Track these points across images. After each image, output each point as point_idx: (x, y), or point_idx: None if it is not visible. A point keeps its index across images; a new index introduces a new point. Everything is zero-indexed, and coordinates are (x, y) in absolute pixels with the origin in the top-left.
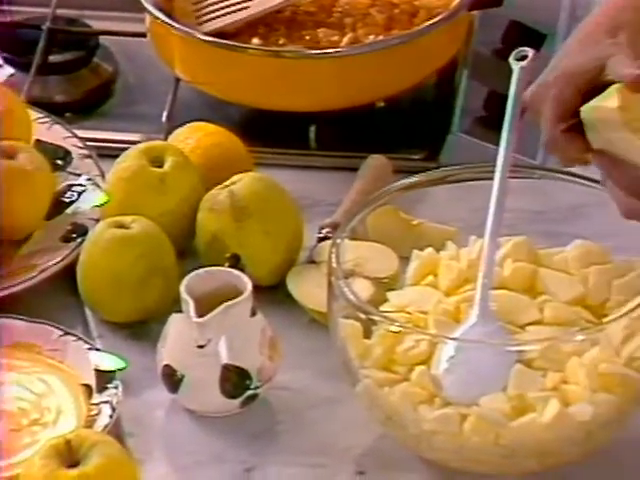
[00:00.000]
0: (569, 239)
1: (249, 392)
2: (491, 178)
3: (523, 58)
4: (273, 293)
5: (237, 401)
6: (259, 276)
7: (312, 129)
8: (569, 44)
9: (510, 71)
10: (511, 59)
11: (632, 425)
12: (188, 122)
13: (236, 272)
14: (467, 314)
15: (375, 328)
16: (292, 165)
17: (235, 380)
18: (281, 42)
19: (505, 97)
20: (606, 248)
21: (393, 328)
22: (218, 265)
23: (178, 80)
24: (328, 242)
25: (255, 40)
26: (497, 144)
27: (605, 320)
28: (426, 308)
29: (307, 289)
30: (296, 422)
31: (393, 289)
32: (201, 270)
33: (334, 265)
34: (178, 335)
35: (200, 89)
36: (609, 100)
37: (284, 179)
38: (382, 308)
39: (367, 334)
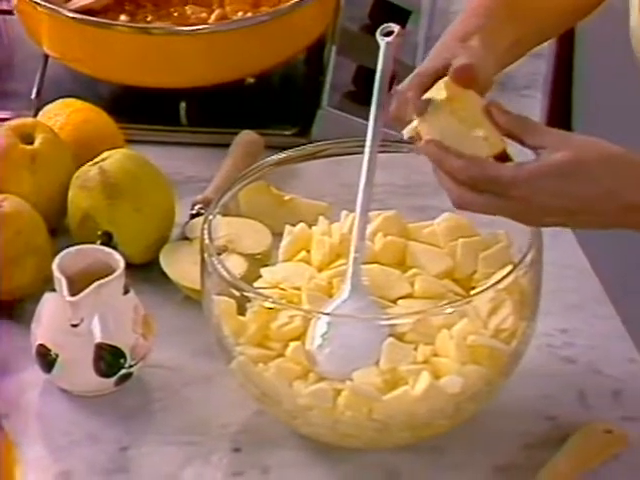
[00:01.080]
0: (437, 213)
1: (123, 371)
2: (361, 153)
3: (389, 34)
4: (146, 271)
5: (111, 380)
6: (131, 254)
7: (182, 105)
8: (430, 53)
9: (377, 46)
10: (378, 35)
11: (500, 396)
12: (57, 99)
13: (108, 250)
14: (340, 289)
15: (249, 305)
16: (163, 142)
17: (109, 359)
18: (149, 19)
19: (373, 72)
20: (473, 221)
21: (267, 304)
22: (90, 243)
23: (47, 57)
24: (200, 218)
25: (123, 17)
26: (367, 119)
27: (472, 293)
28: (299, 284)
29: (180, 266)
30: (171, 400)
31: (266, 265)
32: (73, 248)
33: (207, 242)
34: (51, 314)
35: (69, 66)
36: (438, 92)
37: (155, 156)
38: (256, 284)
39: (241, 311)
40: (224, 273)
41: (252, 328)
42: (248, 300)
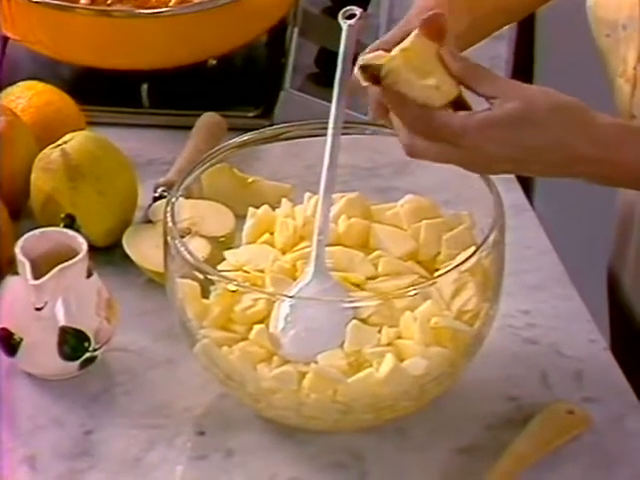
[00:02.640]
0: (401, 194)
1: (87, 354)
2: (324, 135)
3: (351, 17)
4: (109, 254)
5: (75, 363)
6: (94, 237)
7: (144, 87)
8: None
9: (339, 29)
10: (340, 18)
11: (462, 378)
12: (18, 81)
13: (71, 233)
14: (303, 271)
15: (213, 288)
16: (125, 124)
17: (73, 342)
18: (110, 1)
19: (335, 54)
20: (436, 202)
21: (231, 287)
22: (54, 226)
23: (7, 39)
24: (163, 201)
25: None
26: (329, 100)
27: (436, 274)
28: (263, 266)
29: (143, 249)
30: (135, 384)
31: (230, 248)
32: (36, 231)
33: (170, 224)
34: (15, 298)
35: (30, 48)
36: (401, 46)
37: (117, 138)
38: (219, 267)
39: (205, 294)
40: (187, 256)
41: (216, 311)
42: (212, 283)
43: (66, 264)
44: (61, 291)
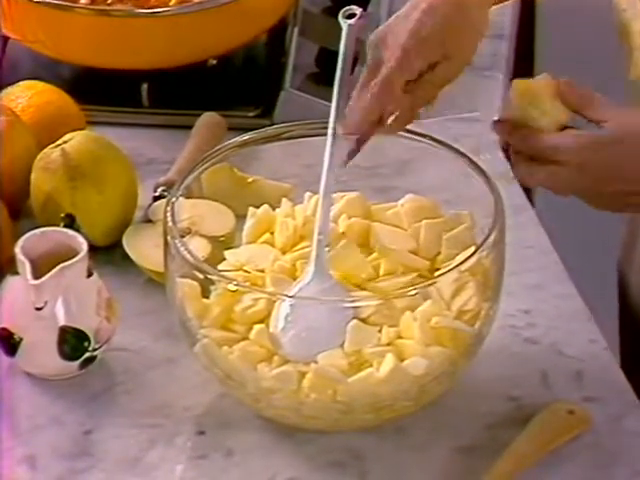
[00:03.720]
0: (401, 194)
1: (87, 354)
2: (324, 134)
3: (351, 16)
4: (109, 253)
5: (75, 363)
6: (94, 236)
7: (144, 87)
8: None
9: (339, 28)
10: (340, 17)
11: (462, 378)
12: (18, 81)
13: (71, 232)
14: (303, 271)
15: (213, 287)
16: (125, 123)
17: (73, 342)
18: (109, 1)
19: (335, 54)
20: (436, 202)
21: (231, 287)
22: (54, 225)
23: (7, 39)
24: (163, 201)
25: None
26: (329, 100)
27: (436, 274)
28: (263, 266)
29: (144, 249)
30: (135, 383)
31: (230, 247)
32: (36, 231)
33: (170, 224)
34: (15, 297)
35: (30, 48)
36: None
37: (117, 137)
38: (220, 267)
39: (205, 293)
40: (187, 256)
41: (216, 311)
42: (212, 283)
43: (66, 264)
44: (61, 291)
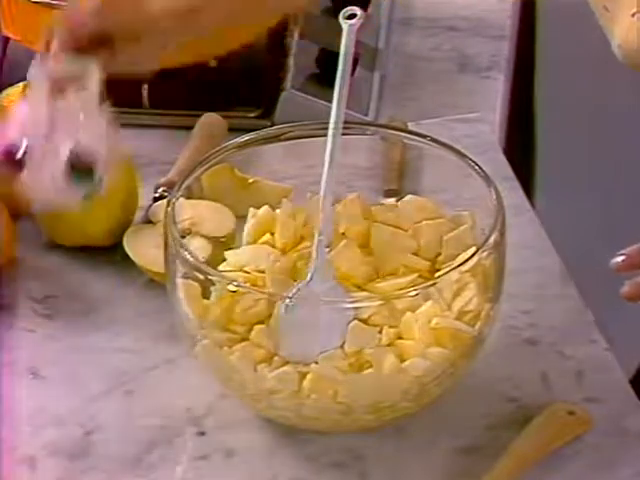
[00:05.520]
0: (401, 194)
1: (93, 183)
2: (325, 135)
3: (352, 17)
4: (109, 254)
5: (80, 191)
6: (95, 237)
7: (144, 88)
8: None
9: (340, 29)
10: (340, 18)
11: (462, 378)
12: (18, 82)
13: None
14: (304, 272)
15: (213, 288)
16: (125, 124)
17: (80, 168)
18: None
19: (336, 54)
20: (437, 203)
21: (231, 288)
22: (54, 225)
23: (7, 39)
24: (164, 202)
25: None
26: (330, 101)
27: (437, 275)
28: (263, 267)
29: (144, 249)
30: (135, 384)
31: (231, 248)
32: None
33: (170, 225)
34: (27, 117)
35: (30, 48)
36: None
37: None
38: (220, 268)
39: (205, 294)
40: (188, 256)
41: (216, 311)
42: (212, 283)
43: (80, 87)
44: (73, 115)
